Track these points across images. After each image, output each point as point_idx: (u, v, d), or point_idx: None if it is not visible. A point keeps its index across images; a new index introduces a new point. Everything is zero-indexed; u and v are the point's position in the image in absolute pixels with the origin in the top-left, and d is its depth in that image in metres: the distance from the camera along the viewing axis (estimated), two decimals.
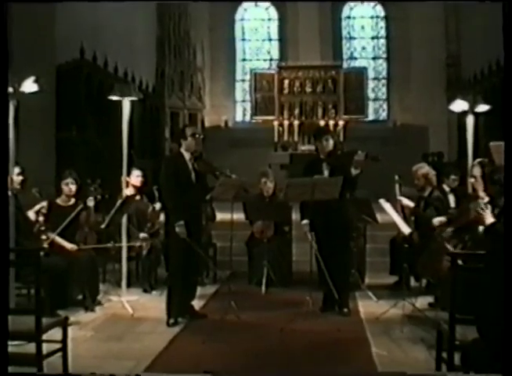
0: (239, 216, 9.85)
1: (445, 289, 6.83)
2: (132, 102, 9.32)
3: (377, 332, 7.62)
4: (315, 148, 8.73)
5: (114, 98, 9.27)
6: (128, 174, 9.72)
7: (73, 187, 8.78)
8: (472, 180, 8.39)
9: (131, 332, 7.66)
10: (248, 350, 6.96)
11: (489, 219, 6.92)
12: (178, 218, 7.80)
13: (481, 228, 7.26)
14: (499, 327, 3.17)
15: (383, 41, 22.71)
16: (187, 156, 8.04)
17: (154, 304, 8.90)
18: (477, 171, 8.36)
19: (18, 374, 4.91)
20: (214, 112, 21.87)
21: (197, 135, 8.14)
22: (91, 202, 8.80)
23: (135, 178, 10.01)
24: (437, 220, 8.95)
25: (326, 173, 8.37)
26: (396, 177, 9.25)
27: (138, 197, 9.96)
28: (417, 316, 8.12)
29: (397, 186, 9.28)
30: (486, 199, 7.41)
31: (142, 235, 9.91)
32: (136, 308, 8.64)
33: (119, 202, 9.00)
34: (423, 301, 8.72)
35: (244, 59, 23.05)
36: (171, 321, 7.96)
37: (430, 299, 8.82)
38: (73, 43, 14.87)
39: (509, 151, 3.04)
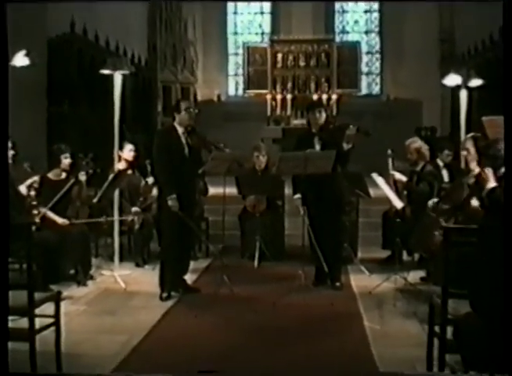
0: (231, 190, 9.84)
1: (438, 263, 6.84)
2: (124, 76, 9.28)
3: (370, 306, 7.65)
4: (307, 122, 8.70)
5: (106, 72, 9.22)
6: (120, 148, 9.68)
7: (69, 161, 8.76)
8: (464, 153, 8.38)
9: (124, 306, 7.67)
10: (241, 324, 6.98)
11: (492, 183, 6.89)
12: (171, 192, 7.79)
13: (473, 202, 7.28)
14: (492, 301, 3.17)
15: (376, 14, 22.59)
16: (180, 130, 8.01)
17: (147, 278, 8.91)
18: (469, 144, 8.35)
19: (18, 373, 4.92)
20: (206, 86, 21.78)
21: (191, 110, 8.12)
22: (83, 176, 8.77)
23: (128, 152, 9.96)
24: (431, 202, 8.95)
25: (317, 147, 8.36)
26: (389, 151, 9.25)
27: (130, 172, 9.92)
28: (409, 290, 8.16)
29: (390, 161, 9.28)
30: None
31: (134, 209, 9.90)
32: (129, 282, 8.65)
33: (111, 176, 8.97)
34: (415, 276, 8.75)
35: (236, 33, 22.91)
36: (164, 295, 7.97)
37: (422, 274, 8.86)
38: (64, 17, 14.76)
39: (509, 147, 3.03)
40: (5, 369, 3.62)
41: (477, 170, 7.16)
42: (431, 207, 8.73)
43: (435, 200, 8.84)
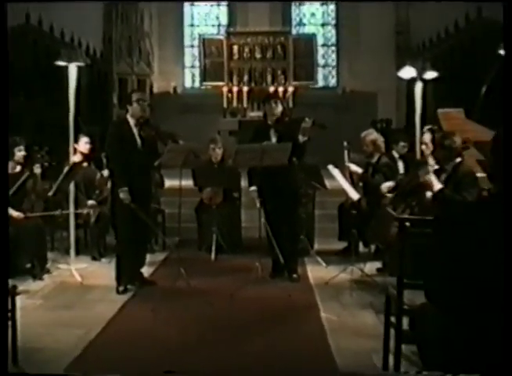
0: (187, 183, 9.82)
1: (393, 254, 6.90)
2: (79, 68, 9.19)
3: (327, 297, 7.69)
4: (264, 114, 8.71)
5: (61, 63, 9.13)
6: (76, 141, 9.60)
7: (23, 154, 8.67)
8: (423, 147, 8.47)
9: (81, 300, 7.62)
10: (198, 317, 6.98)
11: (437, 186, 7.01)
12: (122, 185, 7.76)
13: (428, 193, 7.36)
14: (446, 291, 3.20)
15: (332, 7, 22.63)
16: (132, 122, 7.97)
17: (103, 271, 8.87)
18: (427, 137, 8.44)
19: (18, 374, 4.87)
20: (162, 78, 21.65)
21: (142, 101, 8.06)
22: (37, 169, 8.69)
23: (83, 144, 9.88)
24: (385, 186, 9.03)
25: (273, 140, 8.37)
26: (345, 143, 9.30)
27: (85, 164, 9.85)
28: (366, 281, 8.22)
29: (345, 153, 9.33)
30: (436, 166, 7.49)
31: (90, 202, 9.83)
32: (85, 276, 8.60)
33: (66, 169, 8.90)
34: (371, 267, 8.81)
35: (192, 25, 22.80)
36: (121, 288, 7.94)
37: (378, 265, 8.92)
38: (19, 8, 14.57)
39: (509, 147, 3.05)
40: (5, 369, 3.58)
41: (436, 166, 7.27)
42: (385, 192, 8.82)
43: (389, 184, 8.92)
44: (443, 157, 7.35)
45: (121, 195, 7.75)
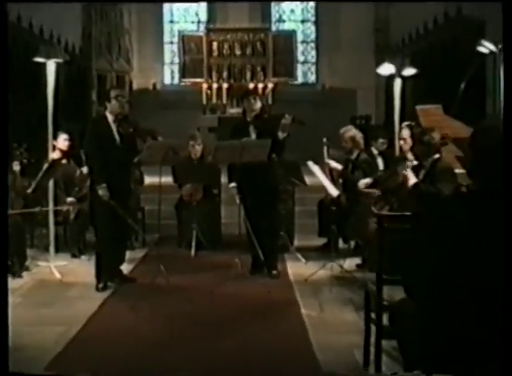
0: (167, 179, 9.80)
1: (373, 250, 6.92)
2: (58, 64, 9.15)
3: (306, 293, 7.71)
4: (243, 111, 8.71)
5: (40, 60, 9.08)
6: (55, 137, 9.57)
7: None
8: (401, 142, 8.50)
9: (61, 297, 7.60)
10: (178, 313, 6.98)
11: (412, 180, 7.05)
12: (101, 181, 7.75)
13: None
14: (425, 286, 3.22)
15: (312, 4, 22.63)
16: (111, 118, 7.94)
17: (83, 269, 8.84)
18: (406, 133, 8.48)
19: (18, 373, 4.84)
20: (142, 75, 21.57)
21: (121, 98, 8.04)
22: (16, 166, 8.66)
23: (62, 141, 9.85)
24: (362, 182, 9.07)
25: (253, 136, 8.37)
26: (324, 139, 9.33)
27: (64, 161, 9.80)
28: (345, 277, 8.24)
29: (325, 149, 9.36)
30: (415, 162, 7.52)
31: (69, 199, 9.80)
32: (65, 273, 8.58)
33: (45, 166, 8.86)
34: (351, 263, 8.84)
35: (172, 21, 22.73)
36: (101, 286, 7.92)
37: (358, 261, 8.95)
38: None
39: (509, 147, 3.06)
40: (5, 369, 3.56)
41: (415, 162, 7.30)
42: (363, 188, 8.86)
43: (367, 181, 8.95)
44: (421, 152, 7.39)
45: (100, 192, 7.73)
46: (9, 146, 7.42)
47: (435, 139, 7.29)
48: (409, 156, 7.89)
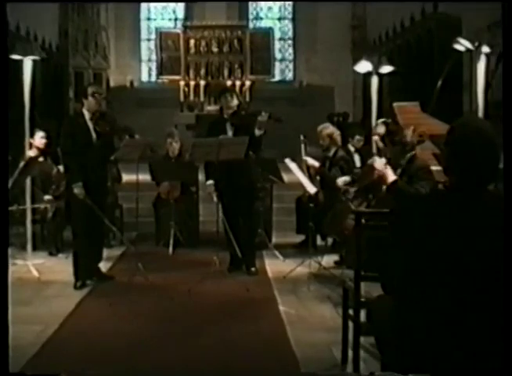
0: (145, 177, 9.78)
1: (350, 247, 6.94)
2: (35, 61, 9.10)
3: (284, 291, 7.72)
4: (220, 108, 8.71)
5: (16, 57, 9.02)
6: (31, 135, 9.52)
7: None
8: (376, 138, 8.52)
9: (38, 296, 7.56)
10: (156, 311, 6.97)
11: (391, 178, 7.07)
12: (76, 179, 7.71)
13: (384, 187, 7.41)
14: (401, 283, 3.23)
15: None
16: (88, 115, 7.89)
17: (61, 267, 8.80)
18: (380, 129, 8.50)
19: (18, 373, 4.81)
20: (119, 72, 21.50)
21: (98, 95, 7.99)
22: None
23: (39, 139, 9.81)
24: (341, 180, 9.08)
25: (230, 133, 8.37)
26: (301, 137, 9.34)
27: (41, 159, 9.77)
28: (323, 274, 8.26)
29: (302, 146, 9.37)
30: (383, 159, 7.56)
31: (46, 197, 9.76)
32: (43, 271, 8.53)
33: (22, 164, 8.82)
34: (329, 260, 8.86)
35: (149, 18, 22.68)
36: (78, 284, 7.89)
37: (336, 258, 8.96)
38: None
39: (509, 147, 3.08)
40: (6, 369, 3.54)
41: (383, 168, 7.30)
42: (341, 185, 8.87)
43: (345, 178, 8.98)
44: (395, 152, 7.41)
45: (75, 190, 7.69)
46: (7, 145, 7.38)
47: (407, 138, 7.31)
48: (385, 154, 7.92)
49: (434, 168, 7.19)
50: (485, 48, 9.66)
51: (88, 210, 7.73)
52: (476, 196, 3.15)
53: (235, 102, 8.45)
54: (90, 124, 7.88)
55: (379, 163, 7.23)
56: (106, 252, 8.69)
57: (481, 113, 9.38)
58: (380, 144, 8.41)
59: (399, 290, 3.28)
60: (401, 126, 7.83)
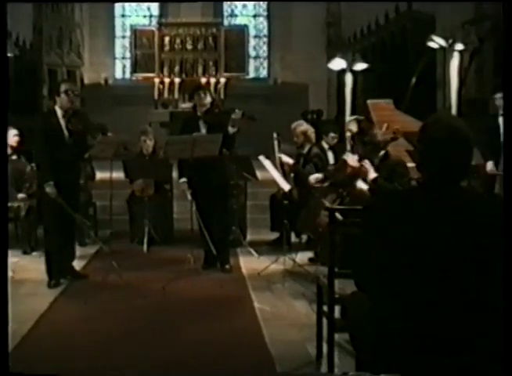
0: (119, 175, 9.74)
1: (324, 244, 6.95)
2: (8, 59, 9.04)
3: (259, 288, 7.72)
4: (193, 106, 8.68)
5: None
6: None
7: None
8: (349, 134, 8.55)
9: (13, 294, 7.41)
10: (130, 310, 6.95)
11: (372, 174, 7.08)
12: (47, 178, 7.64)
13: (358, 184, 7.44)
14: (374, 279, 3.24)
15: None
16: (60, 113, 7.83)
17: (35, 265, 8.74)
18: (353, 125, 8.52)
19: (18, 374, 4.77)
20: (93, 69, 21.39)
21: (71, 92, 7.92)
22: None
23: (12, 137, 9.73)
24: (313, 177, 9.12)
25: (203, 131, 8.36)
26: (274, 134, 9.36)
27: (15, 157, 9.72)
28: (298, 271, 8.26)
29: (276, 143, 9.39)
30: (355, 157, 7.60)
31: (20, 195, 9.70)
32: (16, 270, 8.46)
33: None
34: (303, 257, 8.87)
35: (123, 16, 22.59)
36: (52, 282, 7.83)
37: (310, 255, 8.98)
38: None
39: (509, 146, 3.09)
40: (6, 369, 3.51)
41: (356, 164, 7.31)
42: (313, 183, 8.90)
43: (317, 176, 9.01)
44: (367, 151, 7.44)
45: (47, 189, 7.62)
46: (7, 145, 7.33)
47: (378, 136, 7.34)
48: (358, 151, 7.96)
49: (409, 164, 7.23)
50: (459, 46, 9.74)
51: (60, 208, 7.67)
52: (448, 192, 3.17)
53: (208, 99, 8.43)
54: (62, 122, 7.81)
55: (351, 159, 7.27)
56: (80, 250, 8.66)
57: (454, 111, 9.45)
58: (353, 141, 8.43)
59: (373, 286, 3.29)
60: (371, 125, 7.87)
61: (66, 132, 7.81)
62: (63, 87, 7.91)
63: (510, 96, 3.25)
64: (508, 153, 3.08)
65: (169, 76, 19.90)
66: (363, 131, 7.54)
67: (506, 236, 2.84)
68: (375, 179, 7.16)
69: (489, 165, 8.83)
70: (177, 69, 19.99)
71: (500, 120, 8.78)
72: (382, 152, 7.29)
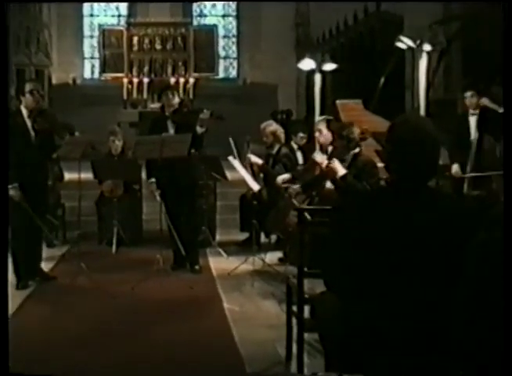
0: (87, 175, 9.68)
1: (294, 244, 6.96)
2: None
3: (229, 288, 7.71)
4: (161, 106, 8.65)
5: None
6: None
7: None
8: (317, 134, 8.54)
9: None
10: (99, 311, 6.91)
11: (341, 172, 7.09)
12: (12, 181, 7.45)
13: (328, 184, 7.45)
14: (343, 278, 3.25)
15: None
16: (26, 113, 7.74)
17: None
18: (322, 125, 8.53)
19: (18, 374, 4.71)
20: (61, 69, 21.25)
21: (36, 92, 7.83)
22: None
23: None
24: (280, 178, 9.14)
25: (171, 131, 8.33)
26: (247, 137, 9.38)
27: None
28: (267, 271, 8.26)
29: (245, 144, 9.40)
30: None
31: None
32: None
33: None
34: (272, 257, 8.87)
35: (92, 15, 22.49)
36: (21, 284, 7.75)
37: (280, 255, 8.98)
38: None
39: (509, 146, 3.09)
40: (6, 369, 3.47)
41: (325, 162, 7.31)
42: (281, 183, 8.91)
43: (284, 176, 9.03)
44: (341, 147, 7.44)
45: (11, 192, 7.43)
46: (7, 144, 7.22)
47: (355, 134, 7.35)
48: (328, 148, 7.97)
49: (379, 164, 7.25)
50: (427, 47, 9.78)
51: (24, 210, 7.58)
52: (416, 192, 3.18)
53: (176, 100, 8.41)
54: (28, 122, 7.71)
55: (320, 157, 7.28)
56: (48, 252, 8.59)
57: (422, 111, 9.49)
58: (321, 139, 8.41)
59: (341, 286, 3.30)
60: (349, 122, 7.88)
61: (32, 132, 7.71)
62: (27, 87, 7.81)
63: (510, 96, 3.26)
64: (508, 153, 3.09)
65: (138, 76, 19.87)
66: (339, 128, 7.55)
67: (506, 236, 2.85)
68: (344, 176, 7.16)
69: (454, 168, 8.79)
70: (146, 69, 19.97)
71: (471, 119, 8.77)
72: (357, 149, 7.30)
